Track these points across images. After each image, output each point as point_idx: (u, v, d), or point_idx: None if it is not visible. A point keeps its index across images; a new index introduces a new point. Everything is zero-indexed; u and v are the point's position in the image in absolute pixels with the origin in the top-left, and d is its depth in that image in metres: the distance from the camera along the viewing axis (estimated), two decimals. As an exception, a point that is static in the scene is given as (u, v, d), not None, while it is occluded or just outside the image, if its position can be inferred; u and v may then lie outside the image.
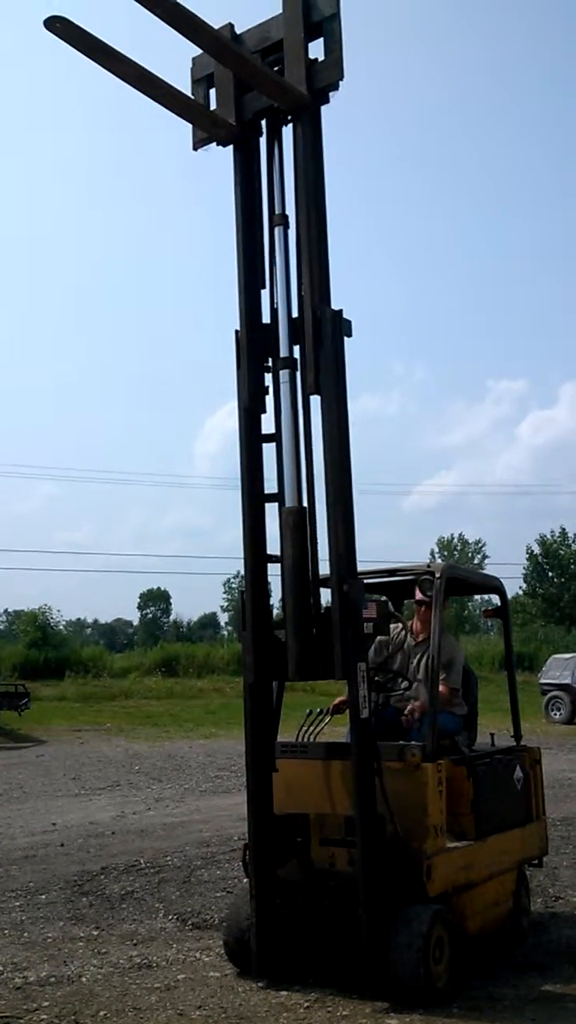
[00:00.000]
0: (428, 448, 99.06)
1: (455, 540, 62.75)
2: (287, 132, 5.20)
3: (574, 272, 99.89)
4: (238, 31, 5.21)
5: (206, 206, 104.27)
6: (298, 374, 5.00)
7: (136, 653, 39.18)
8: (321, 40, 5.00)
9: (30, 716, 21.19)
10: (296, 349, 5.02)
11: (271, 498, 5.02)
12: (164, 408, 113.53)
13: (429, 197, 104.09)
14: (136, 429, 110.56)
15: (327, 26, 4.95)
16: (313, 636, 4.76)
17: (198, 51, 5.09)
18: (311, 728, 5.48)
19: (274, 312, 5.12)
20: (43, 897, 6.70)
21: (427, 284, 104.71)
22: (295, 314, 5.04)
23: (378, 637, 5.33)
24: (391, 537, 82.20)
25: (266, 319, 5.14)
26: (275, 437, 5.03)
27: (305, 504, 4.91)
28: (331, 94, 5.00)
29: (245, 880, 5.08)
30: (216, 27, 5.06)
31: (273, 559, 4.99)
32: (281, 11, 5.07)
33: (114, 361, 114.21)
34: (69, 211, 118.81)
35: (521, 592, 51.86)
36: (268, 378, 5.13)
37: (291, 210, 5.12)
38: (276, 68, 5.06)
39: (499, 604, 6.53)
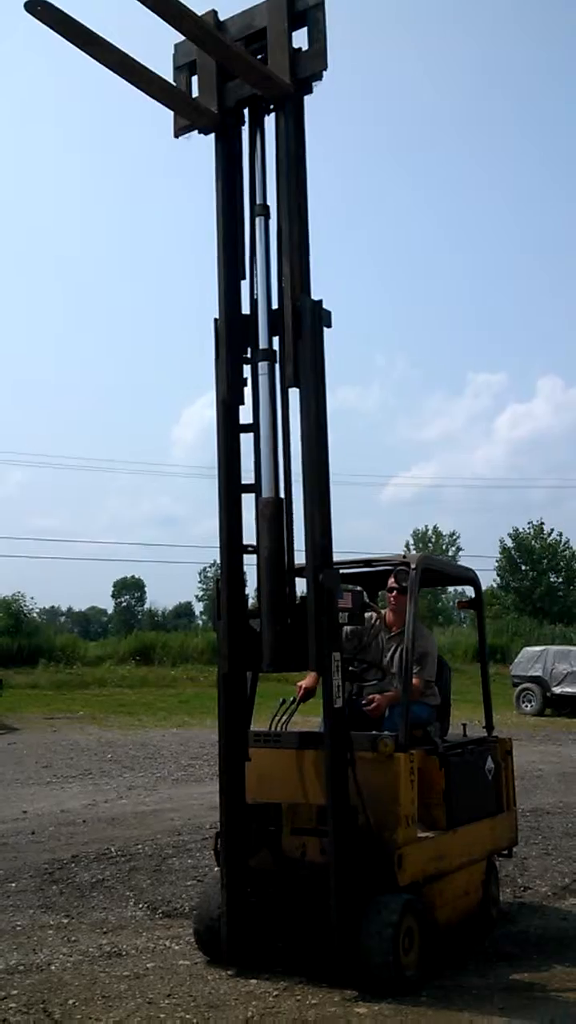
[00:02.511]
0: (406, 440, 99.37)
1: (430, 532, 62.94)
2: (269, 121, 5.15)
3: (556, 266, 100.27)
4: (222, 18, 5.14)
5: (187, 194, 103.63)
6: (277, 366, 4.97)
7: (110, 641, 39.06)
8: (305, 29, 4.95)
9: (2, 704, 21.09)
10: (275, 341, 4.99)
11: (248, 488, 5.00)
12: (141, 396, 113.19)
13: (413, 190, 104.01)
14: (113, 417, 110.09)
15: (311, 15, 4.91)
16: (288, 627, 4.74)
17: (180, 37, 5.02)
18: (283, 717, 5.48)
19: (254, 303, 5.09)
20: (13, 885, 6.66)
21: (409, 277, 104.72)
22: (275, 305, 5.01)
23: (352, 626, 5.34)
24: (367, 529, 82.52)
25: (246, 310, 5.11)
26: (253, 427, 5.01)
27: (282, 495, 4.90)
28: (315, 84, 4.95)
29: (216, 869, 5.08)
30: (199, 13, 4.99)
31: (249, 549, 4.97)
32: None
33: (91, 348, 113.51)
34: (48, 195, 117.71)
35: (495, 585, 52.21)
36: (247, 370, 5.09)
37: (272, 200, 5.08)
38: (259, 57, 5.01)
39: (473, 596, 6.55)
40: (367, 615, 5.65)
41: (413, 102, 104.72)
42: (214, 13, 5.14)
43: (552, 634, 37.41)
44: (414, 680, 5.28)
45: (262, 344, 4.99)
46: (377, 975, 4.37)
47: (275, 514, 4.84)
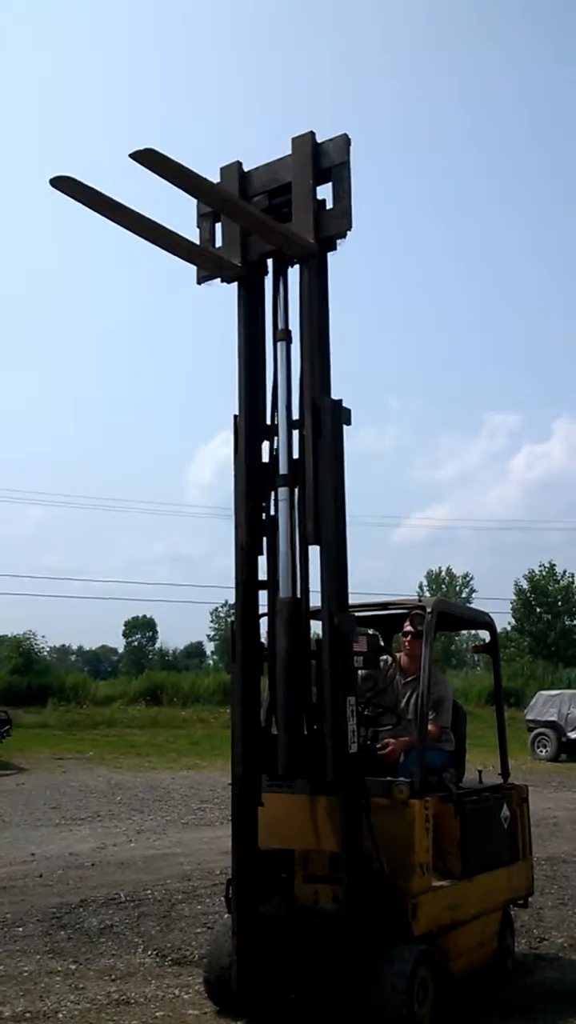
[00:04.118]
0: (420, 481, 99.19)
1: (443, 574, 62.73)
2: (293, 271, 5.13)
3: (573, 308, 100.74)
4: (247, 168, 5.21)
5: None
6: (296, 491, 4.90)
7: (120, 681, 38.90)
8: (330, 185, 4.94)
9: (11, 743, 20.96)
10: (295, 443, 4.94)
11: (264, 585, 4.96)
12: (157, 435, 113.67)
13: (432, 229, 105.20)
14: (128, 456, 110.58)
15: (336, 173, 4.90)
16: (305, 733, 4.69)
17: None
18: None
19: (275, 426, 5.05)
20: (20, 930, 6.58)
21: (426, 317, 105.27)
22: (295, 439, 4.96)
23: (367, 670, 5.32)
24: (380, 569, 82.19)
25: (266, 454, 5.08)
26: (270, 527, 4.95)
27: (299, 594, 4.84)
28: (339, 242, 4.94)
29: (226, 915, 5.01)
30: (225, 162, 5.13)
31: (265, 650, 4.92)
32: (291, 152, 5.03)
33: (108, 388, 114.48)
34: (65, 248, 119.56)
35: (509, 627, 51.84)
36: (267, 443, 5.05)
37: (294, 324, 5.07)
38: (284, 210, 5.04)
39: (488, 640, 6.51)
40: (382, 658, 5.63)
41: (437, 129, 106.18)
42: (239, 165, 5.20)
43: (568, 678, 37.03)
44: (430, 726, 5.24)
45: (282, 470, 4.94)
46: (390, 1028, 4.28)
47: (293, 615, 4.79)
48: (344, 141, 4.92)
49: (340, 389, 4.92)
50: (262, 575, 4.99)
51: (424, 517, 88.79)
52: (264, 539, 4.98)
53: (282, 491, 4.94)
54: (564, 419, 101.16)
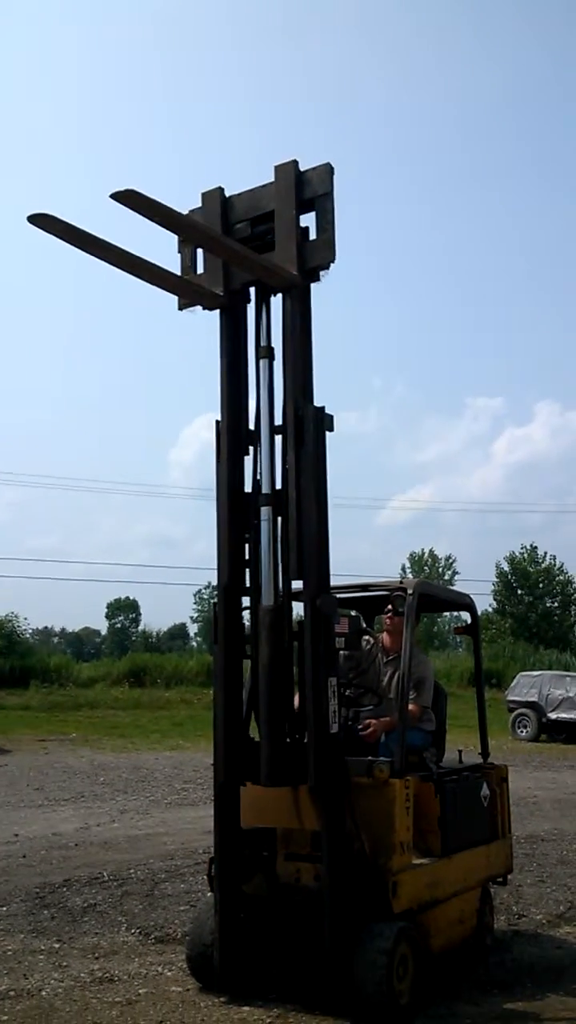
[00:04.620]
0: (403, 463, 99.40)
1: (426, 556, 62.97)
2: (276, 297, 5.07)
3: (554, 291, 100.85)
4: (228, 193, 5.13)
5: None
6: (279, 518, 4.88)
7: (103, 663, 38.89)
8: (313, 215, 4.87)
9: (-6, 725, 20.97)
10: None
11: (246, 591, 4.96)
12: (140, 416, 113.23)
13: (413, 212, 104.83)
14: (110, 437, 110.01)
15: (320, 204, 4.82)
16: (287, 740, 4.70)
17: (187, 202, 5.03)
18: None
19: (257, 432, 5.02)
20: (3, 909, 6.61)
21: (408, 300, 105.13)
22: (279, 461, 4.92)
23: (350, 652, 5.35)
24: (363, 551, 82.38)
25: (248, 484, 5.04)
26: (252, 539, 4.92)
27: (281, 600, 4.82)
28: (322, 273, 4.87)
29: (209, 894, 5.06)
30: (207, 188, 5.08)
31: (247, 653, 4.92)
32: (273, 180, 4.95)
33: (90, 368, 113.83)
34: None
35: (490, 609, 52.16)
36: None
37: (276, 342, 5.04)
38: (268, 237, 4.97)
39: (469, 621, 6.56)
40: (364, 639, 5.66)
41: (418, 113, 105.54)
42: (221, 191, 5.12)
43: (549, 659, 37.34)
44: (411, 706, 5.29)
45: (264, 488, 4.91)
46: (371, 1002, 4.34)
47: (275, 623, 4.78)
48: (327, 170, 4.83)
49: (324, 375, 4.91)
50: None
51: (407, 499, 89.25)
52: (247, 572, 4.96)
53: (264, 510, 4.89)
54: (546, 403, 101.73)
